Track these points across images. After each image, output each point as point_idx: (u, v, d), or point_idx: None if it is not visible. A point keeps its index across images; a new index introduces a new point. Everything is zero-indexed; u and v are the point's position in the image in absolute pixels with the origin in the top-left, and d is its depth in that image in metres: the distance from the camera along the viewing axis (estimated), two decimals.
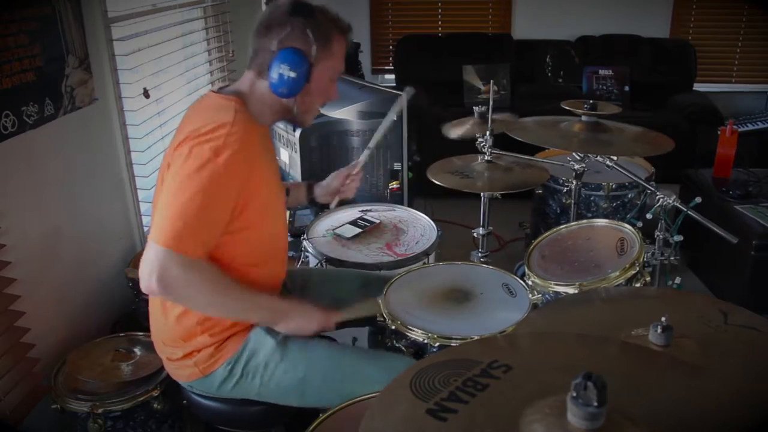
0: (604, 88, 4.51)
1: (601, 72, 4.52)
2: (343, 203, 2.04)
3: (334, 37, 1.42)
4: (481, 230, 2.54)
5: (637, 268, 1.61)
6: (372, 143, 1.84)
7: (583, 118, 2.14)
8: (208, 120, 1.32)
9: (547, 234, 1.90)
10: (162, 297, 1.37)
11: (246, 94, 1.43)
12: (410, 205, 2.39)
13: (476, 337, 1.48)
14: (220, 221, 1.33)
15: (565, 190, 2.75)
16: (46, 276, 1.92)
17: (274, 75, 1.37)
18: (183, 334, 1.44)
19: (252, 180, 1.36)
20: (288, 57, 1.36)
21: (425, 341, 1.50)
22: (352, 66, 4.40)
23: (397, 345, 1.55)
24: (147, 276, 1.25)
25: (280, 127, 2.63)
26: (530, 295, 1.67)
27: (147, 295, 1.54)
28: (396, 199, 2.51)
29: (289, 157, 2.61)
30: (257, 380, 1.45)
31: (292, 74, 1.36)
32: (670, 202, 1.79)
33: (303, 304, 1.49)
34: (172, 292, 1.30)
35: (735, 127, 3.10)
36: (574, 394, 0.70)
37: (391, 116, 1.83)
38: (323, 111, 2.55)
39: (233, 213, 1.34)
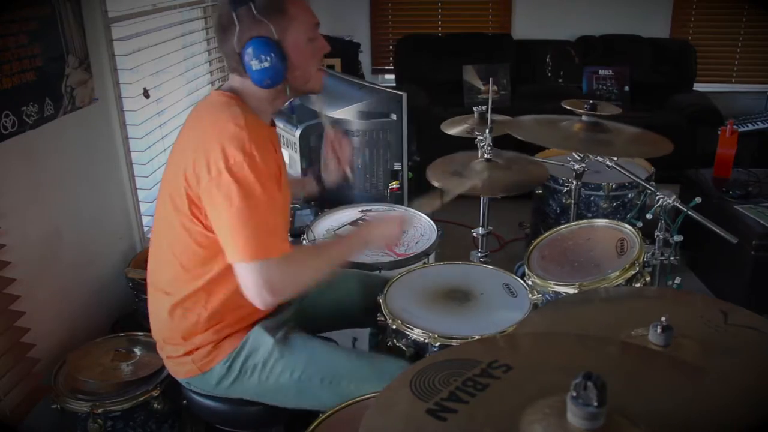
0: (604, 88, 4.51)
1: (601, 72, 4.52)
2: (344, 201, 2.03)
3: (285, 1, 1.36)
4: (480, 230, 2.54)
5: (637, 268, 1.62)
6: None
7: (583, 118, 2.13)
8: (223, 126, 1.32)
9: (547, 234, 1.90)
10: (283, 300, 1.41)
11: (241, 91, 1.42)
12: (410, 205, 2.39)
13: (476, 337, 1.48)
14: (282, 207, 1.37)
15: (565, 190, 2.74)
16: (46, 276, 1.91)
17: (251, 73, 1.35)
18: (185, 333, 1.44)
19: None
20: (254, 51, 1.32)
21: (426, 341, 1.50)
22: (352, 66, 4.40)
23: (397, 345, 1.55)
24: (258, 296, 1.29)
25: (280, 127, 2.63)
26: (530, 295, 1.67)
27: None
28: (396, 199, 2.51)
29: (288, 156, 2.61)
30: (255, 378, 1.45)
31: (266, 64, 1.33)
32: (670, 202, 1.79)
33: (371, 222, 1.53)
34: (285, 292, 1.35)
35: (735, 127, 3.09)
36: (574, 394, 0.70)
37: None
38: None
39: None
